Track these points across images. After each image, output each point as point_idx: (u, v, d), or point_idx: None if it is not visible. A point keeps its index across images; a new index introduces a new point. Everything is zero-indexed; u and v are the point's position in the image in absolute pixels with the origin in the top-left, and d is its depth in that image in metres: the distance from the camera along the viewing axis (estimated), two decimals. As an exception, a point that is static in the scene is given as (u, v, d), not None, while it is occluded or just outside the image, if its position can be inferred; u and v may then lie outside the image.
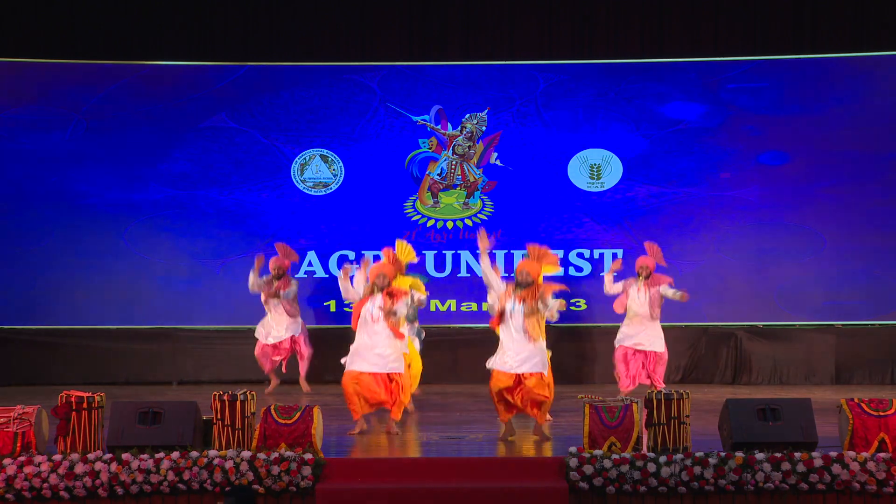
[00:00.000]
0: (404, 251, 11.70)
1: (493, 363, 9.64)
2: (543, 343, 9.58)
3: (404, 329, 10.29)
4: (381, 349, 9.89)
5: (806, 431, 8.62)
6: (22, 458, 8.32)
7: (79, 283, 14.30)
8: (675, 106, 14.53)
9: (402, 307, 10.05)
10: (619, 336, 12.47)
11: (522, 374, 9.45)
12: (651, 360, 12.29)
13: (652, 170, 14.53)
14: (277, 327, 13.22)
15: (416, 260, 12.16)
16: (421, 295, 11.70)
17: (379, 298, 10.00)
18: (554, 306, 9.60)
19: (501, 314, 9.61)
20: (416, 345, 11.67)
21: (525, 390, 9.46)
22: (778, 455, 8.30)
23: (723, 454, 8.34)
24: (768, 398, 9.06)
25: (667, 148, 14.52)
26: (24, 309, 14.36)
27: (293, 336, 13.23)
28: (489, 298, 9.94)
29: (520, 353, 9.47)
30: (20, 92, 14.40)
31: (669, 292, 12.28)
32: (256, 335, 13.31)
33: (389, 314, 9.90)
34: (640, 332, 12.31)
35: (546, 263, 9.93)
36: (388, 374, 9.89)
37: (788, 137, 14.42)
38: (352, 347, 10.01)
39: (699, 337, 14.38)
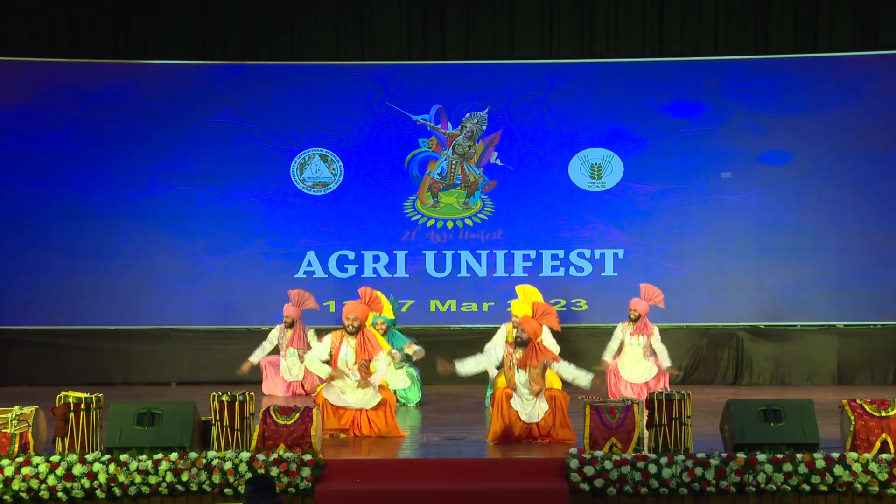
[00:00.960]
0: (378, 302, 10.75)
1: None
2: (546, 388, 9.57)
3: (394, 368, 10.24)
4: (357, 395, 9.78)
5: (808, 432, 8.61)
6: (19, 460, 8.31)
7: (77, 283, 14.30)
8: (676, 105, 14.52)
9: (379, 371, 9.90)
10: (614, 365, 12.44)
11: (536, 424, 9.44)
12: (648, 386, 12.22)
13: (653, 169, 14.52)
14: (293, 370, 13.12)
15: (392, 316, 11.95)
16: (402, 352, 11.61)
17: (351, 356, 9.84)
18: (580, 375, 9.54)
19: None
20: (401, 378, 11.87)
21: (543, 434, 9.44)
22: (780, 456, 8.29)
23: (724, 455, 8.33)
24: (770, 399, 9.05)
25: (668, 147, 14.51)
26: (21, 309, 14.36)
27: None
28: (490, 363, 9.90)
29: (529, 409, 9.45)
30: (18, 91, 14.40)
31: (662, 355, 12.29)
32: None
33: (365, 385, 9.76)
34: (636, 367, 12.36)
35: (547, 323, 9.86)
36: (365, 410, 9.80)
37: (790, 137, 14.41)
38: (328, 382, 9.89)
39: (700, 338, 14.37)
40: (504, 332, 11.67)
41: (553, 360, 9.53)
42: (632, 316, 12.32)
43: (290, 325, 13.09)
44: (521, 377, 9.50)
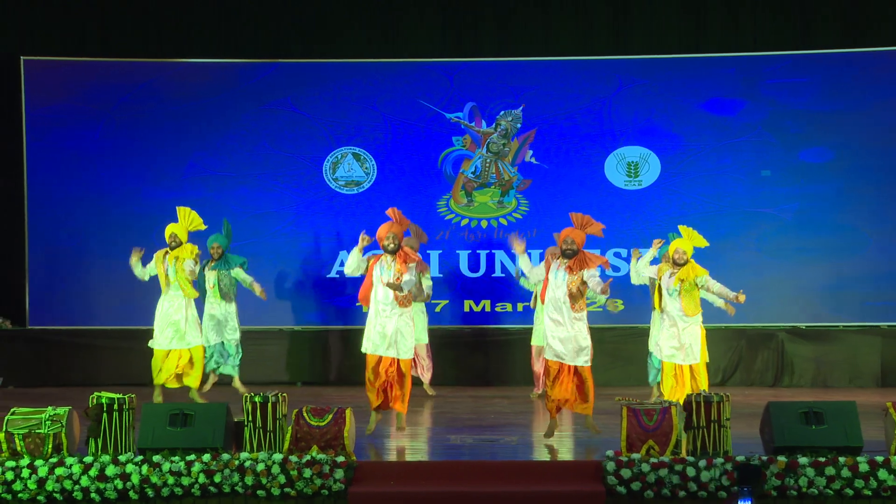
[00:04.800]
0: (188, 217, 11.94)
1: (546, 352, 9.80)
2: (586, 322, 9.75)
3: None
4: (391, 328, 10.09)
5: (851, 435, 8.54)
6: (53, 460, 8.39)
7: (110, 283, 14.37)
8: (713, 102, 14.45)
9: (408, 279, 10.12)
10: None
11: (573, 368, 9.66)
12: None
13: (691, 167, 14.45)
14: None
15: (203, 227, 12.23)
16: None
17: (386, 273, 10.12)
18: (604, 285, 9.68)
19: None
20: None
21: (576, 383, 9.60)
22: (822, 460, 8.23)
23: (764, 458, 8.28)
24: (811, 401, 8.98)
25: (706, 145, 14.43)
26: (55, 309, 14.49)
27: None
28: (528, 275, 10.22)
29: (564, 337, 9.59)
30: (50, 90, 14.52)
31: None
32: None
33: (394, 287, 9.99)
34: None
35: (590, 231, 10.01)
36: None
37: (831, 134, 14.31)
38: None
39: (739, 339, 14.28)
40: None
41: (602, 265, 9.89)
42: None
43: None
44: (559, 291, 9.67)
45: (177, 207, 12.13)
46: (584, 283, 9.74)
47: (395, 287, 9.96)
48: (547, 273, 9.89)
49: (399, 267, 10.09)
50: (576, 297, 9.72)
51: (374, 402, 10.01)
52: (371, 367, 10.06)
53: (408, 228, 10.92)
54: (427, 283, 11.21)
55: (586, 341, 9.76)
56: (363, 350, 10.23)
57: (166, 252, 11.99)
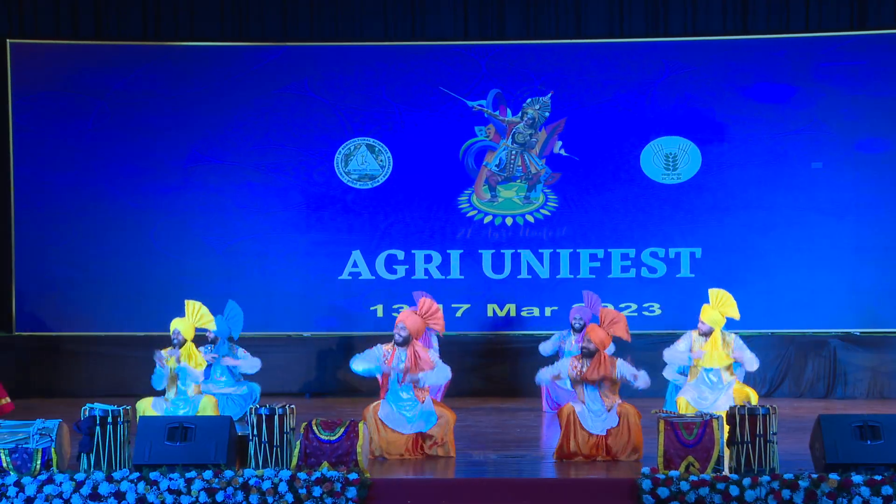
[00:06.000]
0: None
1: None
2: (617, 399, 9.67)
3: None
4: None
5: (909, 452, 8.55)
6: (42, 478, 8.45)
7: (102, 286, 14.47)
8: (760, 88, 14.43)
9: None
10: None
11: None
12: None
13: (734, 159, 14.44)
14: None
15: None
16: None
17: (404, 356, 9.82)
18: (642, 374, 9.70)
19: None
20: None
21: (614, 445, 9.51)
22: (878, 478, 8.22)
23: (815, 476, 8.27)
24: (866, 414, 8.98)
25: (751, 135, 14.41)
26: (44, 314, 14.58)
27: None
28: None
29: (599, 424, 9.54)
30: (37, 77, 14.59)
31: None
32: None
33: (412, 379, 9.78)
34: None
35: (615, 332, 9.93)
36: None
37: (890, 122, 14.27)
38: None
39: (788, 346, 14.27)
40: (690, 339, 11.03)
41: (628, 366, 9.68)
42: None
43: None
44: (589, 392, 9.56)
45: (185, 302, 11.23)
46: (614, 386, 9.66)
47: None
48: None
49: (411, 367, 9.78)
50: (610, 393, 9.66)
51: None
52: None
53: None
54: (435, 378, 10.00)
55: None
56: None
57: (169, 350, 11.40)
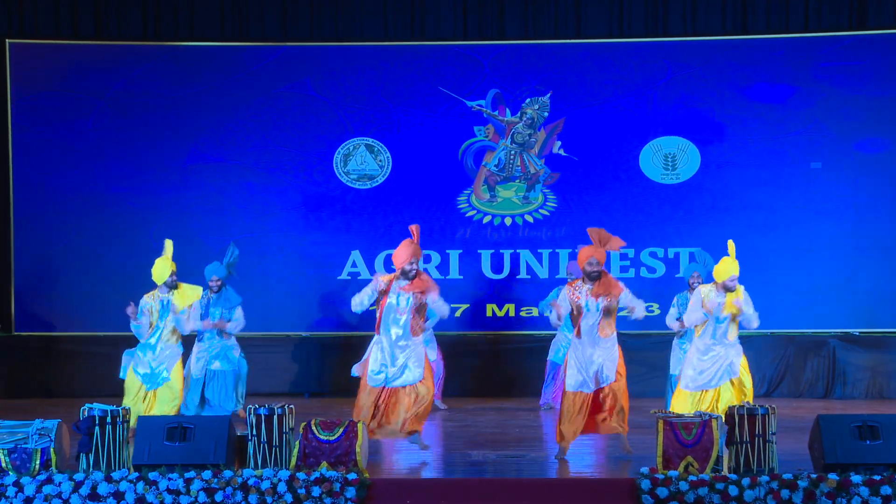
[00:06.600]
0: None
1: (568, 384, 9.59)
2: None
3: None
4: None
5: (908, 452, 8.54)
6: (41, 478, 8.45)
7: (101, 287, 14.45)
8: (759, 88, 14.43)
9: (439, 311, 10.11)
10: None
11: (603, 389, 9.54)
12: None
13: (734, 159, 14.44)
14: None
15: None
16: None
17: (404, 298, 9.90)
18: (641, 305, 9.75)
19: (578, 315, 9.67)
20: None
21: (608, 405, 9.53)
22: (877, 478, 8.21)
23: (814, 476, 8.27)
24: (865, 414, 8.98)
25: (750, 135, 14.41)
26: (44, 313, 14.58)
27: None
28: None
29: (593, 362, 9.47)
30: (37, 77, 14.60)
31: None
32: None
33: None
34: None
35: (610, 248, 9.91)
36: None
37: (889, 122, 14.27)
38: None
39: (787, 346, 14.28)
40: (699, 297, 10.62)
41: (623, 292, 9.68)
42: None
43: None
44: (589, 319, 9.56)
45: (165, 241, 11.61)
46: (612, 313, 9.67)
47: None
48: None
49: (417, 295, 9.91)
50: (610, 322, 9.67)
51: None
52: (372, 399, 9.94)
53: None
54: (444, 309, 10.30)
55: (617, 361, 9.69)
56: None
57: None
